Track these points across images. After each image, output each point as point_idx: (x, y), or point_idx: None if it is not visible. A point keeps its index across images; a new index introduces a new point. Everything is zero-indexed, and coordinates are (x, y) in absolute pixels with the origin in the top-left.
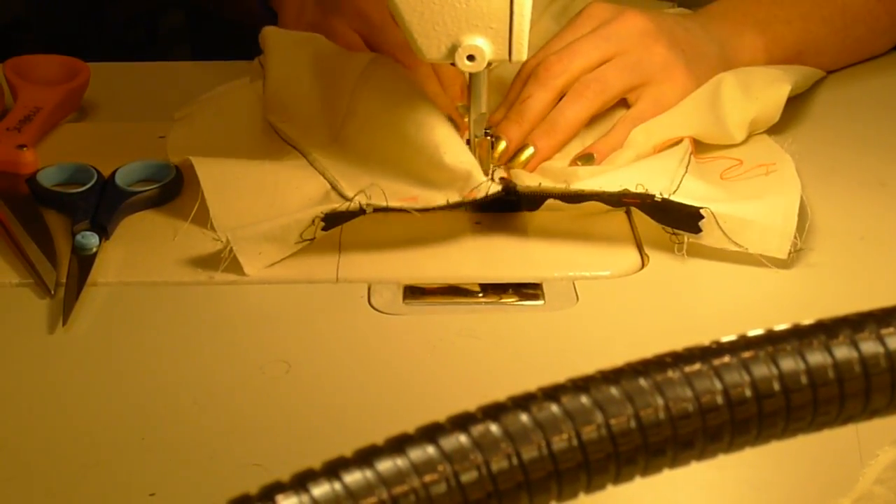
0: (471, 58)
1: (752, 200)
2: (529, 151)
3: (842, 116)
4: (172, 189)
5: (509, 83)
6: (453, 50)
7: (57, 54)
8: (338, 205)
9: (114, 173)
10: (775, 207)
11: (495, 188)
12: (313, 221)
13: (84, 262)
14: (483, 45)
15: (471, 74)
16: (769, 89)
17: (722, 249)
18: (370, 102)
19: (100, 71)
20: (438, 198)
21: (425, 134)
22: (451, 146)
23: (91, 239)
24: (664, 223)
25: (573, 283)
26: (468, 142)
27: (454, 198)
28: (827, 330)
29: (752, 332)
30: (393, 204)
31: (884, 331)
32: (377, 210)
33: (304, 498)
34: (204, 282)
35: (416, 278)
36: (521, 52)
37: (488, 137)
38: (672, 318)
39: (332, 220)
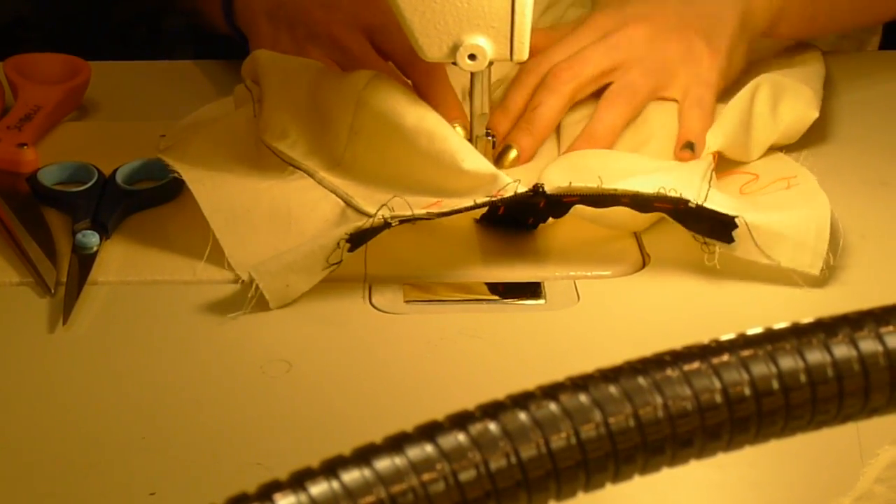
0: (472, 57)
1: (783, 212)
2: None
3: (844, 116)
4: (173, 188)
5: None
6: (455, 49)
7: (58, 53)
8: (361, 223)
9: (114, 172)
10: (807, 222)
11: (523, 189)
12: (338, 244)
13: (84, 261)
14: (484, 45)
15: (472, 74)
16: (796, 111)
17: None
18: (376, 120)
19: (101, 70)
20: (464, 200)
21: (439, 144)
22: (468, 153)
23: (91, 238)
24: (695, 231)
25: (574, 283)
26: (469, 141)
27: (481, 199)
28: (826, 328)
29: (751, 331)
30: (418, 212)
31: (883, 329)
32: (403, 221)
33: (303, 497)
34: (205, 280)
35: (417, 277)
36: (523, 52)
37: (489, 138)
38: (673, 318)
39: (358, 239)
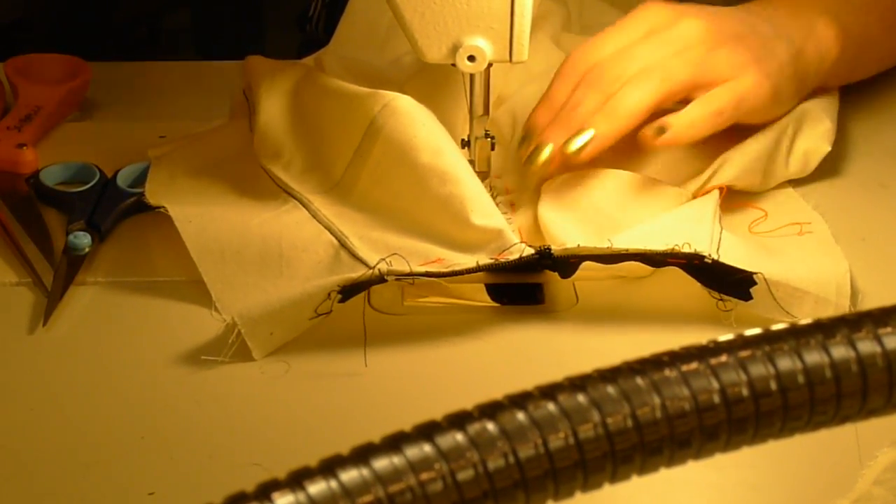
0: (471, 58)
1: (800, 264)
2: (588, 136)
3: (842, 118)
4: None
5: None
6: (454, 50)
7: (59, 53)
8: (355, 275)
9: (116, 174)
10: (827, 277)
11: (529, 251)
12: (329, 295)
13: (74, 262)
14: (484, 46)
15: (471, 75)
16: (809, 144)
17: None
18: (388, 146)
19: (101, 70)
20: (467, 260)
21: (450, 188)
22: (478, 203)
23: (83, 239)
24: (710, 287)
25: (573, 284)
26: (468, 143)
27: (484, 260)
28: (824, 329)
29: (749, 332)
30: (417, 269)
31: (881, 330)
32: (399, 278)
33: (301, 496)
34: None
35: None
36: (522, 53)
37: (488, 139)
38: (672, 321)
39: (350, 291)
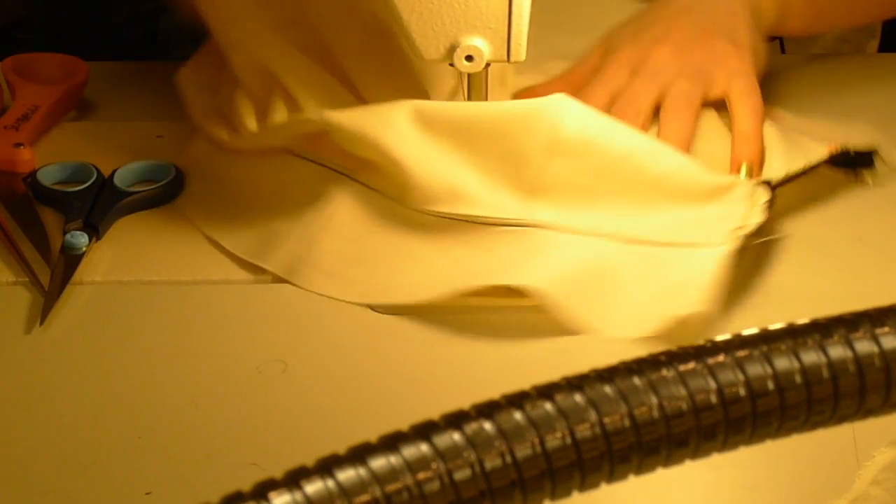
0: (469, 58)
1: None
2: None
3: (842, 119)
4: (171, 190)
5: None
6: (452, 50)
7: (56, 53)
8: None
9: (113, 173)
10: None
11: (763, 192)
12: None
13: (71, 262)
14: (481, 46)
15: (469, 75)
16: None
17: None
18: (579, 141)
19: (98, 70)
20: (731, 213)
21: (663, 162)
22: (693, 167)
23: (80, 239)
24: (845, 168)
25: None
26: None
27: (748, 209)
28: (821, 329)
29: (746, 331)
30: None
31: (878, 330)
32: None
33: (298, 496)
34: (199, 281)
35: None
36: (520, 53)
37: None
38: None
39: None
